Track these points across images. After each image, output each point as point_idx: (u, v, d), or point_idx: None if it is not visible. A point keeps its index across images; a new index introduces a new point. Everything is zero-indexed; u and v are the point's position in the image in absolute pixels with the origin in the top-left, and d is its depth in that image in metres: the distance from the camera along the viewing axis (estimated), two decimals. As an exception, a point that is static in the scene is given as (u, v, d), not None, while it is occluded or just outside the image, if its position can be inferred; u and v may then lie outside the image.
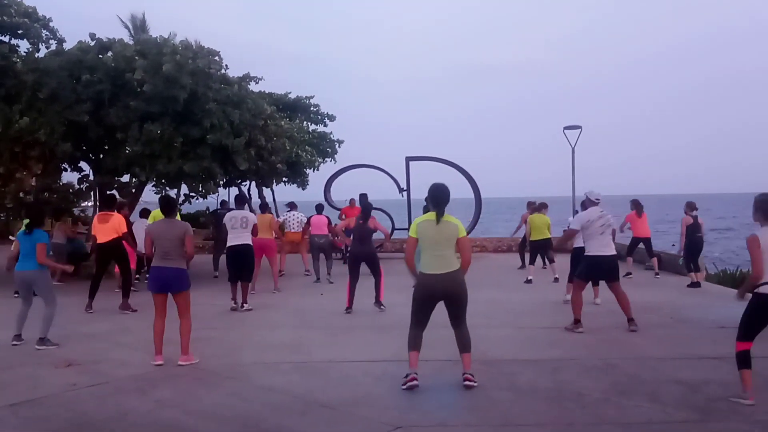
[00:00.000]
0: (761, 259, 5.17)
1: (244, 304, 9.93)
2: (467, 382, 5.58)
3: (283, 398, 5.49)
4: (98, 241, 9.90)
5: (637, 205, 13.76)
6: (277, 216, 19.00)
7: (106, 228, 9.84)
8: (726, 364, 5.98)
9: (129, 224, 11.04)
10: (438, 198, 5.71)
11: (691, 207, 12.43)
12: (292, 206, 14.41)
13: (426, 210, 11.35)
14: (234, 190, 22.59)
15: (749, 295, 5.40)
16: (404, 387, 5.57)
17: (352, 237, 10.05)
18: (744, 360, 5.26)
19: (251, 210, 13.20)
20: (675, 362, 6.55)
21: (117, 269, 10.43)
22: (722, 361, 5.75)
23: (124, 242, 10.07)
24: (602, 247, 8.14)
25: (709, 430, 4.75)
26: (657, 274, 13.52)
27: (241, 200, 11.18)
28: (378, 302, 9.66)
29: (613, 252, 8.23)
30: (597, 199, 8.36)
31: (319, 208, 14.10)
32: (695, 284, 12.01)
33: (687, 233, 12.36)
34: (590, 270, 8.30)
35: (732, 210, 77.54)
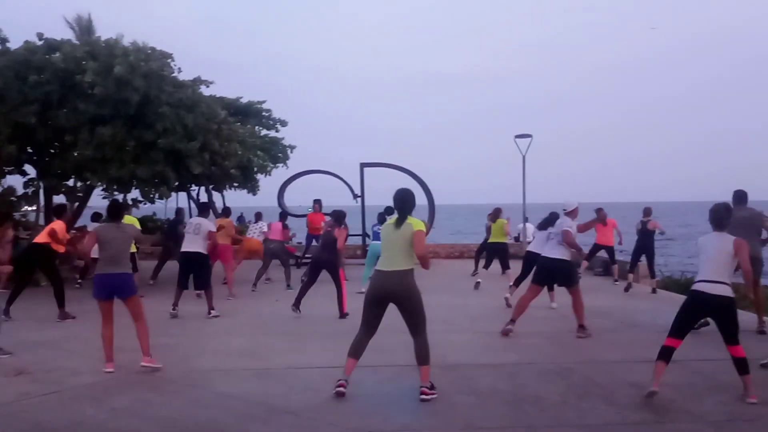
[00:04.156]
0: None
1: (211, 311, 9.76)
2: (423, 396, 5.49)
3: (245, 405, 5.42)
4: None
5: (599, 213, 13.99)
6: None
7: (43, 233, 9.60)
8: (678, 367, 6.17)
9: (76, 230, 10.76)
10: (402, 203, 5.70)
11: (646, 213, 12.90)
12: (257, 216, 14.37)
13: (382, 218, 11.41)
14: (183, 196, 22.28)
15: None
16: (334, 392, 5.55)
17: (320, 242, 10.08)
18: (665, 353, 5.57)
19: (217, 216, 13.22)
20: (628, 365, 6.72)
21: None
22: (674, 363, 5.90)
23: (72, 247, 9.82)
24: (551, 251, 8.32)
25: (665, 430, 4.89)
26: (616, 281, 13.85)
27: (204, 208, 11.06)
28: (342, 315, 9.55)
29: (562, 256, 8.39)
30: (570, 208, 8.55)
31: (282, 216, 14.07)
32: (630, 286, 12.60)
33: (640, 237, 12.78)
34: (542, 274, 8.46)
35: (682, 219, 79.62)
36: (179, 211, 16.20)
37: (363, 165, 18.33)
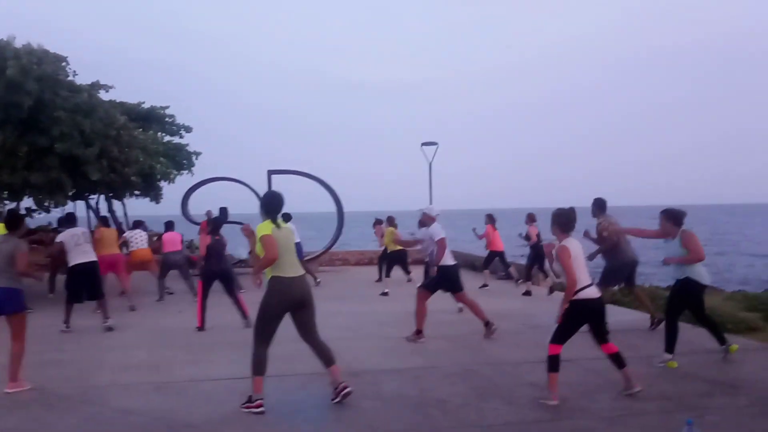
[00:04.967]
0: (573, 268, 5.63)
1: (107, 320, 9.41)
2: (347, 389, 5.51)
3: (144, 420, 5.26)
4: None
5: (491, 219, 14.37)
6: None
7: None
8: (574, 366, 6.44)
9: None
10: (277, 204, 5.65)
11: (531, 218, 13.38)
12: (137, 224, 13.74)
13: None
14: (81, 204, 21.35)
15: None
16: (245, 410, 5.39)
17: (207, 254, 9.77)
18: (553, 364, 5.65)
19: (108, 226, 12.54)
20: (528, 366, 6.94)
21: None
22: (570, 363, 6.16)
23: None
24: (447, 258, 8.51)
25: (561, 428, 5.08)
26: (518, 280, 14.12)
27: (72, 219, 10.42)
28: (246, 320, 9.36)
29: (454, 262, 8.60)
30: (436, 215, 8.78)
31: (170, 225, 13.49)
32: (528, 293, 12.91)
33: (532, 243, 13.23)
34: (440, 281, 8.59)
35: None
36: (60, 222, 15.44)
37: (271, 172, 18.13)
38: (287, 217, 9.98)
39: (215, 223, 10.02)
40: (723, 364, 6.95)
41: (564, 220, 5.81)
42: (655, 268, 20.47)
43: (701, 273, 6.87)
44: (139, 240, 12.93)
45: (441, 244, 8.44)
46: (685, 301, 7.05)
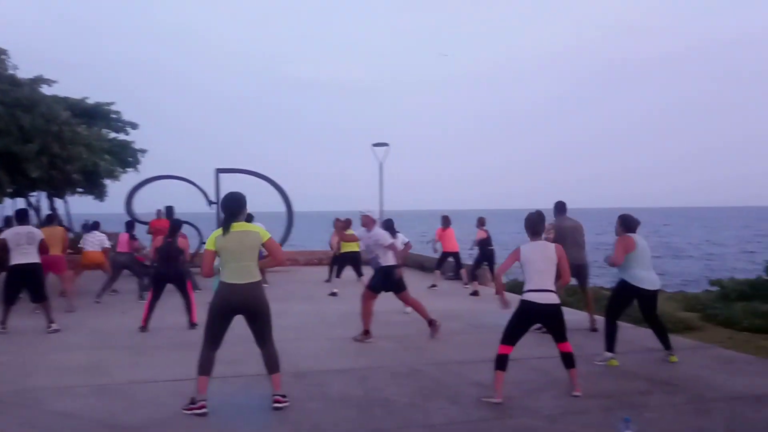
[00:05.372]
0: (506, 266, 6.05)
1: (51, 324, 9.12)
2: (276, 404, 5.43)
3: (82, 424, 5.12)
4: None
5: (445, 221, 14.46)
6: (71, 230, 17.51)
7: None
8: (518, 365, 6.52)
9: None
10: (230, 207, 5.47)
11: (481, 222, 13.54)
12: (94, 226, 13.35)
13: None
14: (22, 202, 20.70)
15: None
16: (188, 412, 5.29)
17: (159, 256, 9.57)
18: (501, 362, 5.78)
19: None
20: (474, 365, 7.00)
21: None
22: (515, 362, 6.23)
23: None
24: (390, 258, 8.51)
25: (505, 426, 5.14)
26: (466, 284, 14.30)
27: (23, 216, 10.05)
28: (192, 325, 9.25)
29: (394, 263, 8.62)
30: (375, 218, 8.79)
31: (129, 225, 13.21)
32: (476, 293, 13.06)
33: (480, 246, 13.41)
34: (383, 282, 8.61)
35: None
36: (8, 220, 14.95)
37: (218, 171, 17.90)
38: (249, 218, 9.85)
39: (173, 225, 9.81)
40: (662, 362, 7.14)
41: (528, 224, 6.05)
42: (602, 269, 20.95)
43: (637, 276, 7.03)
44: (90, 241, 12.58)
45: (392, 248, 8.46)
46: (620, 302, 7.26)
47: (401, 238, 11.26)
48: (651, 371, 6.79)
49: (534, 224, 6.02)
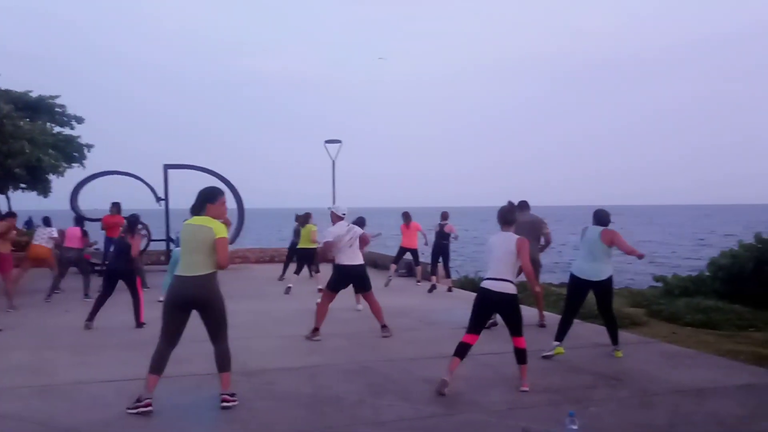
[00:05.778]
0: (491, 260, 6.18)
1: None
2: (224, 404, 5.35)
3: (21, 425, 4.95)
4: None
5: (406, 217, 14.49)
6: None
7: None
8: (468, 360, 6.54)
9: None
10: (195, 201, 5.52)
11: (443, 217, 13.64)
12: (45, 221, 12.96)
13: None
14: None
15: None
16: (133, 411, 5.16)
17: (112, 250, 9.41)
18: (461, 350, 6.00)
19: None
20: (423, 362, 7.04)
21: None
22: (466, 358, 6.27)
23: None
24: (352, 258, 8.50)
25: (455, 422, 5.16)
26: (418, 281, 14.42)
27: None
28: (139, 324, 9.09)
29: (362, 262, 8.61)
30: (343, 214, 8.73)
31: (79, 221, 12.90)
32: (434, 287, 13.22)
33: (436, 240, 13.49)
34: (341, 280, 8.56)
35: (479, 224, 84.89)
36: None
37: (167, 167, 17.58)
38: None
39: (130, 222, 9.61)
40: (608, 357, 7.30)
41: (498, 215, 6.32)
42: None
43: (575, 266, 7.46)
44: (39, 235, 12.25)
45: (325, 245, 8.42)
46: (568, 293, 7.58)
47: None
48: (597, 366, 6.93)
49: (503, 214, 6.26)
